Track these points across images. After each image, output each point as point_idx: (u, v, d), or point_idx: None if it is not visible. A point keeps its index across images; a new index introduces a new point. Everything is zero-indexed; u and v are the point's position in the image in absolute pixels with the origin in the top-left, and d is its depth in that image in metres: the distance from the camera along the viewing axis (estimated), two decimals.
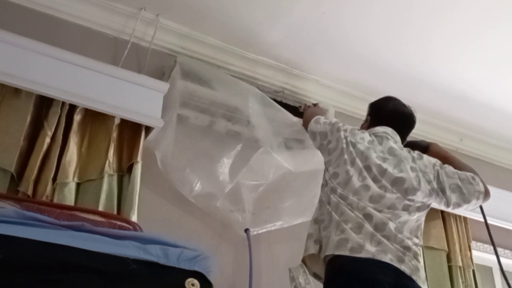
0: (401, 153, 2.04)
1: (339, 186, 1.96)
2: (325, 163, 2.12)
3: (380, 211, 1.88)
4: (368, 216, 1.87)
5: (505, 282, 2.29)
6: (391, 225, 1.86)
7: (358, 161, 1.98)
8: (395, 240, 1.83)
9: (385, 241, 1.81)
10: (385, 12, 2.48)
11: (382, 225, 1.85)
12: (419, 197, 1.96)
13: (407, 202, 1.94)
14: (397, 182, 1.95)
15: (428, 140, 3.19)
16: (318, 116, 2.29)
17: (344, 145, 2.03)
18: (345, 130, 2.10)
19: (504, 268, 3.19)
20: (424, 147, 2.28)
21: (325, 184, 2.06)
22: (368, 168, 1.97)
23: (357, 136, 2.06)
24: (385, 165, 1.97)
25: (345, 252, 1.80)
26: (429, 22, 2.53)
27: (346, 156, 2.00)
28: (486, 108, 3.12)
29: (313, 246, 1.95)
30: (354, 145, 2.02)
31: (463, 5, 2.42)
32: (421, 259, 1.88)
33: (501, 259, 3.14)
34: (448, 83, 2.93)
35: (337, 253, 1.82)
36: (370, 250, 1.78)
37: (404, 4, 2.43)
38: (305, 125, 2.37)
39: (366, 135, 2.08)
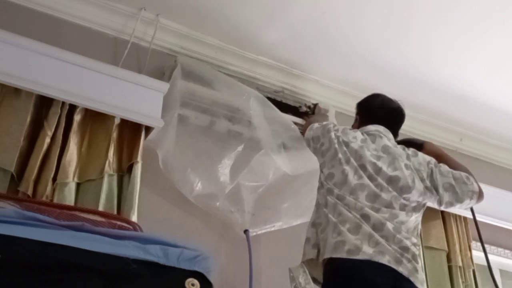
0: (395, 150, 2.03)
1: (336, 187, 1.95)
2: (319, 165, 2.12)
3: (377, 211, 1.87)
4: (365, 217, 1.86)
5: (500, 281, 2.27)
6: (389, 225, 1.85)
7: (352, 160, 1.97)
8: (393, 241, 1.82)
9: (383, 242, 1.80)
10: (385, 12, 2.48)
11: (380, 225, 1.84)
12: (414, 196, 1.96)
13: (403, 201, 1.93)
14: (392, 181, 1.94)
15: (427, 140, 3.21)
16: (313, 124, 2.29)
17: (337, 145, 2.03)
18: (336, 130, 2.09)
19: (504, 268, 3.21)
20: (418, 146, 2.27)
21: (321, 187, 2.05)
22: (363, 167, 1.96)
23: (349, 135, 2.06)
24: (379, 164, 1.96)
25: (342, 255, 1.79)
26: (429, 22, 2.53)
27: (340, 156, 1.99)
28: (486, 108, 3.12)
29: (311, 250, 1.94)
30: (347, 145, 2.02)
31: (463, 5, 2.42)
32: (420, 260, 1.87)
33: (501, 259, 3.16)
34: (448, 83, 2.93)
35: (334, 256, 1.81)
36: (367, 252, 1.78)
37: (404, 4, 2.43)
38: (304, 134, 2.38)
39: (358, 134, 2.07)
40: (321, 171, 2.08)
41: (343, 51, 2.74)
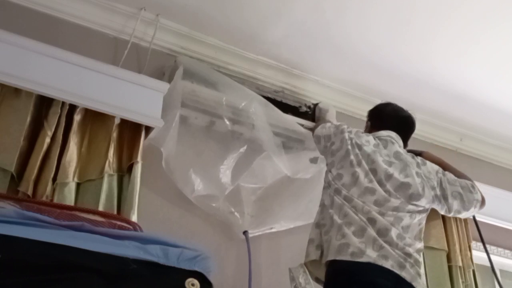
0: (406, 157, 2.04)
1: (344, 188, 1.95)
2: (327, 165, 2.12)
3: (383, 215, 1.88)
4: (371, 221, 1.86)
5: (506, 281, 2.29)
6: (394, 232, 1.85)
7: (364, 163, 1.97)
8: (396, 247, 1.83)
9: (387, 246, 1.81)
10: (386, 12, 2.48)
11: (385, 230, 1.85)
12: (422, 203, 1.97)
13: (410, 206, 1.94)
14: (402, 187, 1.94)
15: (428, 141, 3.22)
16: (326, 123, 2.31)
17: (349, 147, 2.02)
18: (350, 132, 2.10)
19: (504, 268, 3.20)
20: (417, 155, 2.28)
21: (327, 186, 2.04)
22: (374, 171, 1.96)
23: (362, 138, 2.06)
24: (391, 170, 1.96)
25: (346, 257, 1.79)
26: (430, 22, 2.53)
27: (352, 157, 1.99)
28: (486, 108, 3.12)
29: (315, 251, 1.95)
30: (360, 147, 2.02)
31: (465, 6, 2.42)
32: (422, 266, 1.88)
33: (501, 259, 3.16)
34: (448, 83, 2.93)
35: (338, 258, 1.81)
36: (371, 255, 1.78)
37: (406, 4, 2.43)
38: (313, 131, 2.39)
39: (370, 138, 2.08)
40: (329, 171, 2.07)
41: (344, 51, 2.74)
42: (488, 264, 3.12)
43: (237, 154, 2.44)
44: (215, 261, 1.60)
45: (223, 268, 2.23)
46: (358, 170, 1.96)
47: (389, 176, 1.95)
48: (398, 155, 2.04)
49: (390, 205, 1.91)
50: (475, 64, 2.78)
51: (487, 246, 3.04)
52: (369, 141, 2.05)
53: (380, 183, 1.94)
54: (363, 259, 1.77)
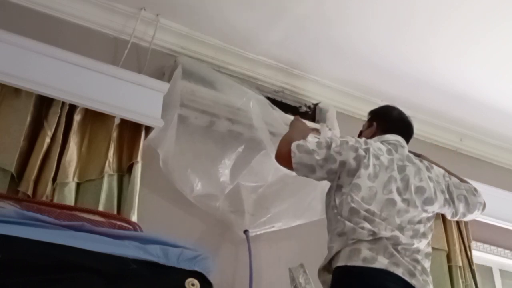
0: (417, 161, 2.02)
1: (364, 202, 1.84)
2: (339, 185, 1.94)
3: (402, 229, 1.83)
4: (395, 238, 1.80)
5: (500, 281, 2.28)
6: (415, 246, 1.83)
7: (382, 174, 1.90)
8: (405, 254, 1.80)
9: (397, 254, 1.78)
10: (387, 12, 2.48)
11: (404, 246, 1.81)
12: (435, 207, 1.96)
13: (424, 214, 1.92)
14: (418, 192, 1.91)
15: (428, 141, 3.22)
16: (298, 143, 1.96)
17: (366, 160, 1.90)
18: (358, 142, 1.96)
19: (504, 268, 3.21)
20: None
21: (340, 210, 1.88)
22: (393, 179, 1.90)
23: (374, 146, 1.97)
24: (407, 175, 1.93)
25: (358, 263, 1.75)
26: (431, 22, 2.53)
27: (370, 170, 1.89)
28: (486, 108, 3.12)
29: None
30: (377, 157, 1.93)
31: (465, 6, 2.42)
32: (430, 274, 1.85)
33: (501, 259, 3.17)
34: (448, 83, 2.93)
35: (349, 263, 1.76)
36: (383, 262, 1.75)
37: (406, 4, 2.43)
38: (283, 160, 2.01)
39: (380, 145, 2.01)
40: (338, 192, 1.92)
41: (344, 51, 2.74)
42: (489, 264, 3.15)
43: (235, 153, 2.44)
44: (215, 261, 1.61)
45: (223, 268, 2.23)
46: (375, 184, 1.88)
47: (407, 182, 1.91)
48: (410, 158, 2.01)
49: (408, 216, 1.87)
50: (475, 64, 2.78)
51: (488, 246, 3.07)
52: (381, 149, 1.98)
53: (399, 191, 1.89)
54: (376, 265, 1.74)
